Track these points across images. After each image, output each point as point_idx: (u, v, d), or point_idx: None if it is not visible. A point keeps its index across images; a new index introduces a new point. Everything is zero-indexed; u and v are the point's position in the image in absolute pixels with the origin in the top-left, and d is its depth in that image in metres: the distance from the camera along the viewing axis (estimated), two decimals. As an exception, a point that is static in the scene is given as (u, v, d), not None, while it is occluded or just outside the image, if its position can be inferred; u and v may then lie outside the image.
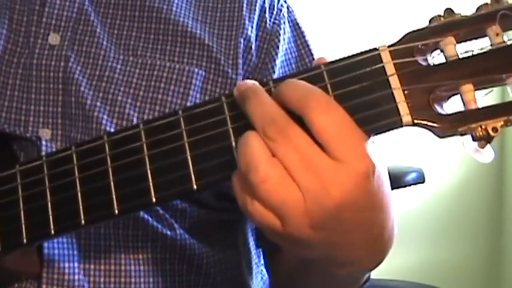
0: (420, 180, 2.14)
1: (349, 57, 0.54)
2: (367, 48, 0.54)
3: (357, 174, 0.50)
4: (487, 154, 0.53)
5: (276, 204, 0.51)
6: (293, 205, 0.50)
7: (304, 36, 0.84)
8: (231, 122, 0.55)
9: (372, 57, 0.53)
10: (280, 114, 0.51)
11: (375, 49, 0.54)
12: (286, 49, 0.81)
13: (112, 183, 0.57)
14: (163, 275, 0.73)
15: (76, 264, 0.69)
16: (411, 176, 2.13)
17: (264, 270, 0.87)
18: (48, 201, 0.59)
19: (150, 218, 0.72)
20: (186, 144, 0.56)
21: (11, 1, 0.77)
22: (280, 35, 0.81)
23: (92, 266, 0.70)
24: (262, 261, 0.87)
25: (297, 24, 0.85)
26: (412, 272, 2.30)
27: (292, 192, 0.50)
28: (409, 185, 2.11)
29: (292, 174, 0.50)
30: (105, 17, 0.78)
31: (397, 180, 2.16)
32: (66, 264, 0.68)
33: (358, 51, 0.54)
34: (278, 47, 0.80)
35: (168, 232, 0.73)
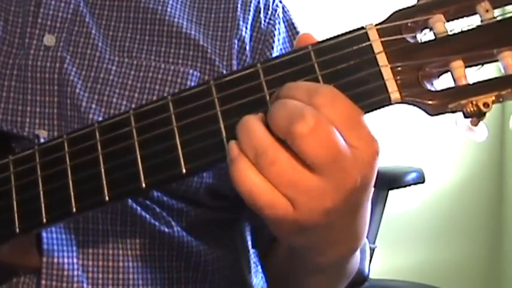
0: (420, 180, 2.14)
1: (336, 36, 0.54)
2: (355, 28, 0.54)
3: (373, 154, 0.52)
4: (481, 132, 0.52)
5: (287, 186, 0.50)
6: (308, 187, 0.50)
7: None
8: (219, 105, 0.55)
9: (359, 35, 0.53)
10: (269, 144, 0.51)
11: (362, 28, 0.54)
12: (281, 49, 0.81)
13: (102, 169, 0.57)
14: (160, 272, 0.73)
15: (75, 260, 0.69)
16: (411, 176, 2.13)
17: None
18: (40, 190, 0.59)
19: (147, 216, 0.73)
20: (175, 129, 0.55)
21: (5, 3, 0.77)
22: (275, 35, 0.81)
23: (90, 262, 0.70)
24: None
25: (293, 24, 0.85)
26: (412, 272, 2.30)
27: (304, 175, 0.50)
28: (409, 185, 2.11)
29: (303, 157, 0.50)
30: (100, 19, 0.78)
31: (397, 180, 2.17)
32: (66, 260, 0.68)
33: (346, 31, 0.54)
34: (273, 48, 0.80)
35: (166, 229, 0.73)
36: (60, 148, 0.59)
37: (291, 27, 0.85)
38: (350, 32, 0.54)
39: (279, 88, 0.53)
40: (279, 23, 0.83)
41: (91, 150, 0.58)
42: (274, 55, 0.80)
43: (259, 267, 0.86)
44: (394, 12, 0.54)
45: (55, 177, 0.58)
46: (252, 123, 0.52)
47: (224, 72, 0.76)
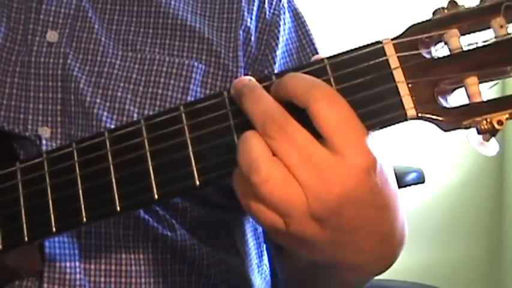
0: (420, 180, 2.14)
1: (352, 50, 0.53)
2: (371, 42, 0.54)
3: (358, 168, 0.50)
4: (492, 147, 0.52)
5: (278, 204, 0.50)
6: (295, 203, 0.50)
7: (305, 26, 0.84)
8: (233, 117, 0.55)
9: (375, 50, 0.53)
10: (278, 111, 0.51)
11: (379, 42, 0.53)
12: (286, 39, 0.81)
13: (113, 180, 0.57)
14: (163, 276, 0.73)
15: (77, 264, 0.69)
16: (411, 176, 2.13)
17: (267, 271, 0.87)
18: (49, 199, 0.59)
19: (150, 219, 0.72)
20: (188, 140, 0.55)
21: None
22: (280, 25, 0.81)
23: (93, 266, 0.70)
24: (264, 261, 0.87)
25: (298, 14, 0.85)
26: (412, 272, 2.30)
27: (294, 191, 0.50)
28: (409, 185, 2.11)
29: (293, 171, 0.50)
30: (103, 13, 0.77)
31: (397, 180, 2.16)
32: (68, 264, 0.68)
33: (362, 45, 0.54)
34: (278, 38, 0.80)
35: (169, 233, 0.73)
36: (70, 157, 0.59)
37: (296, 17, 0.84)
38: (366, 46, 0.54)
39: (279, 78, 0.53)
40: (284, 12, 0.82)
41: (102, 160, 0.57)
42: (279, 45, 0.80)
43: (262, 268, 0.85)
44: (410, 27, 0.54)
45: (64, 187, 0.58)
46: (246, 140, 0.51)
47: (229, 64, 0.76)
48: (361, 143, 0.50)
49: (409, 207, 2.38)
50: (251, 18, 0.79)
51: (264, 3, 0.81)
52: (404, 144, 2.36)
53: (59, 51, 0.74)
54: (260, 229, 0.85)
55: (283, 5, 0.83)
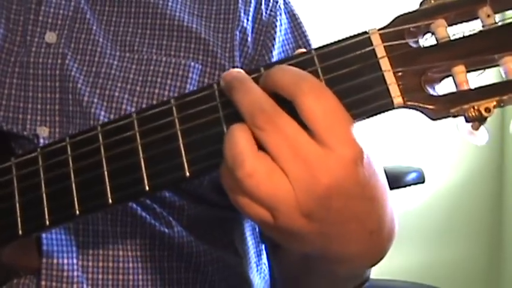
0: (420, 180, 2.14)
1: (339, 41, 0.54)
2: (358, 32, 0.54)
3: (345, 159, 0.50)
4: (481, 136, 0.52)
5: (264, 198, 0.50)
6: (283, 197, 0.50)
7: (301, 27, 0.84)
8: (222, 109, 0.55)
9: (362, 40, 0.53)
10: (268, 102, 0.51)
11: (365, 32, 0.54)
12: (283, 40, 0.81)
13: (106, 172, 0.57)
14: (161, 273, 0.73)
15: (75, 261, 0.69)
16: (411, 176, 2.13)
17: (266, 270, 0.87)
18: (43, 193, 0.59)
19: (148, 216, 0.72)
20: (179, 132, 0.56)
21: (7, 1, 0.77)
22: (276, 26, 0.81)
23: (90, 263, 0.70)
24: (263, 260, 0.87)
25: (294, 15, 0.85)
26: (412, 272, 2.30)
27: (280, 184, 0.50)
28: (409, 185, 2.11)
29: (281, 164, 0.50)
30: (101, 15, 0.78)
31: (397, 180, 2.16)
32: (65, 261, 0.68)
33: (349, 35, 0.54)
34: (274, 39, 0.80)
35: (166, 230, 0.73)
36: (64, 151, 0.59)
37: (292, 19, 0.85)
38: (353, 36, 0.54)
39: (267, 70, 0.53)
40: (281, 14, 0.83)
41: (94, 153, 0.58)
42: (276, 46, 0.80)
43: (260, 267, 0.85)
44: (396, 17, 0.54)
45: (58, 180, 0.59)
46: (232, 134, 0.52)
47: (226, 64, 0.77)
48: (347, 135, 0.50)
49: (409, 207, 2.38)
50: (248, 19, 0.80)
51: (261, 4, 0.82)
52: (404, 144, 2.36)
53: (57, 52, 0.74)
54: (258, 228, 0.86)
55: (279, 7, 0.83)
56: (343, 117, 0.51)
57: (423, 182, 2.14)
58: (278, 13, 0.82)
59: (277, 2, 0.83)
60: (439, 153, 2.39)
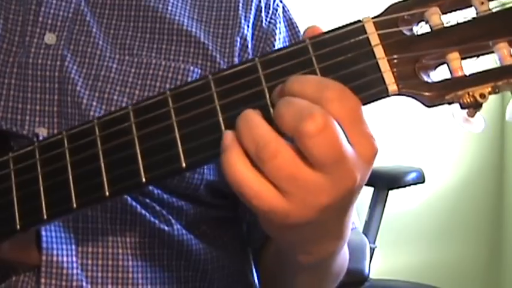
0: (420, 180, 2.15)
1: (333, 30, 0.54)
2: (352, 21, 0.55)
3: (373, 151, 0.52)
4: (477, 123, 0.52)
5: (285, 180, 0.50)
6: (307, 183, 0.50)
7: (299, 36, 0.85)
8: (218, 99, 0.55)
9: (356, 28, 0.54)
10: (272, 138, 0.51)
11: (359, 21, 0.54)
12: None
13: (102, 165, 0.57)
14: (160, 271, 0.73)
15: (74, 259, 0.69)
16: (411, 176, 2.13)
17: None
18: (40, 186, 0.59)
19: (147, 214, 0.73)
20: (174, 123, 0.55)
21: (6, 1, 0.77)
22: (276, 34, 0.82)
23: (90, 261, 0.70)
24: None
25: (292, 24, 0.86)
26: (412, 272, 2.30)
27: (304, 169, 0.50)
28: (409, 185, 2.12)
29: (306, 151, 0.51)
30: (101, 17, 0.78)
31: (397, 180, 2.17)
32: (65, 259, 0.68)
33: (343, 24, 0.54)
34: (274, 46, 0.81)
35: (166, 228, 0.73)
36: (60, 144, 0.59)
37: (291, 27, 0.85)
38: (347, 25, 0.54)
39: (282, 81, 0.53)
40: (280, 22, 0.84)
41: (91, 145, 0.58)
42: None
43: (257, 266, 0.86)
44: (390, 5, 0.54)
45: (55, 174, 0.58)
46: (254, 117, 0.52)
47: None
48: (368, 131, 0.52)
49: (409, 207, 2.39)
50: (248, 26, 0.80)
51: (261, 12, 0.82)
52: (404, 144, 2.36)
53: (56, 53, 0.74)
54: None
55: (279, 15, 0.84)
56: (362, 114, 0.52)
57: (423, 182, 2.14)
58: (278, 21, 0.83)
59: (276, 10, 0.84)
60: (439, 153, 2.39)
